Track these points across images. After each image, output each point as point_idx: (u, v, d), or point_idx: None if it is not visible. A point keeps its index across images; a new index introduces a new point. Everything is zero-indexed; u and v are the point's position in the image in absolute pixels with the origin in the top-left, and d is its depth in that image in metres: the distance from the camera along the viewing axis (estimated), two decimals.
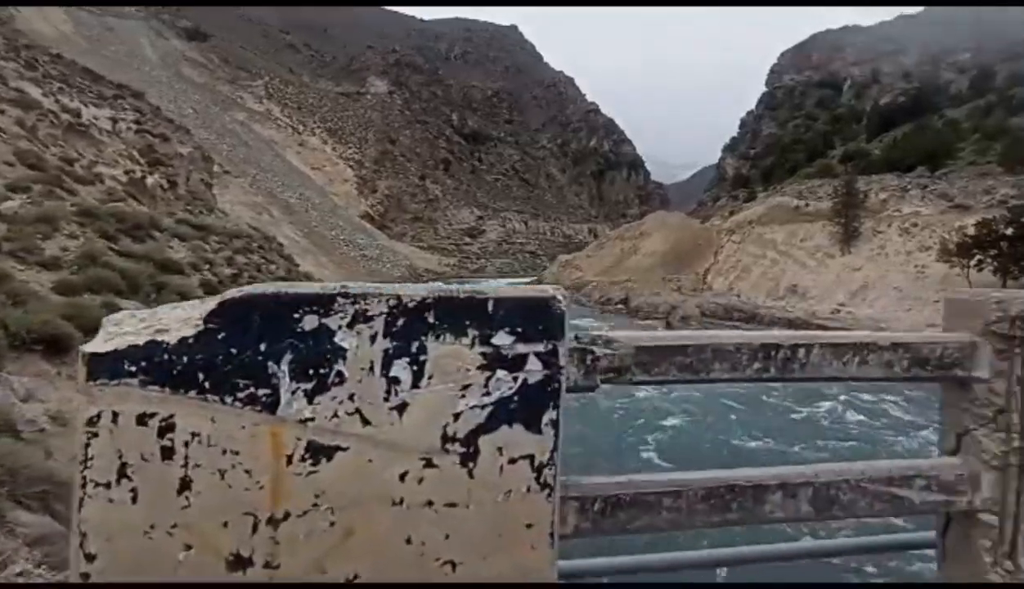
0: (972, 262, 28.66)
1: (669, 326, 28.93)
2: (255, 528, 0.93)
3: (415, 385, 0.97)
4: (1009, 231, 27.52)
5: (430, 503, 0.99)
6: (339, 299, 0.96)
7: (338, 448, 0.95)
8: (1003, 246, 27.82)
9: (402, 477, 0.97)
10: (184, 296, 12.40)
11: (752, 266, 42.50)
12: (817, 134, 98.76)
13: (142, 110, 36.11)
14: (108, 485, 0.89)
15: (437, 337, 0.98)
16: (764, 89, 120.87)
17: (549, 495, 1.04)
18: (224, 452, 0.92)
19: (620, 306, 37.23)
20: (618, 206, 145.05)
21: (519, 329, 1.02)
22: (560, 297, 1.05)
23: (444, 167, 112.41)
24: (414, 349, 0.97)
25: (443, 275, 70.80)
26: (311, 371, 0.94)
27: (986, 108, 61.30)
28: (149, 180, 27.01)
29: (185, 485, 0.90)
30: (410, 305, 0.98)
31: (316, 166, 75.26)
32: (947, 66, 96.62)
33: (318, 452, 0.93)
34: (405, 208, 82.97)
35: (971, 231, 29.03)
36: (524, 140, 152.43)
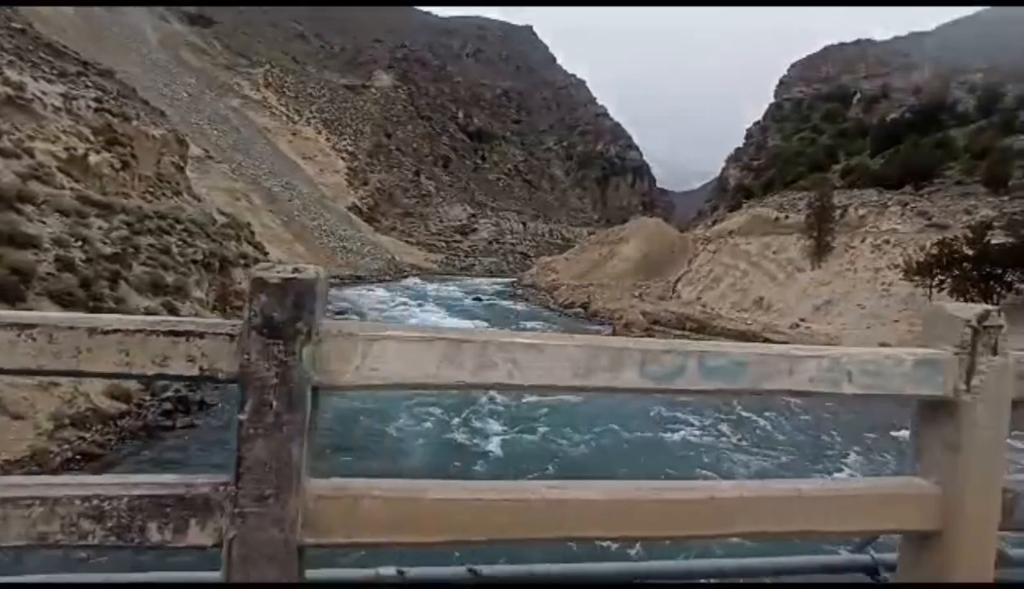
0: (934, 282, 27.85)
1: (614, 331, 28.31)
2: None
3: None
4: (969, 252, 26.65)
5: None
6: None
7: None
8: (965, 267, 26.96)
9: None
10: (17, 270, 12.04)
11: (723, 276, 41.70)
12: (821, 148, 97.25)
13: (106, 89, 35.96)
14: None
15: None
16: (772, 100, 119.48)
17: None
18: None
19: (580, 310, 36.61)
20: (621, 211, 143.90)
21: None
22: None
23: (444, 163, 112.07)
24: None
25: (428, 271, 70.42)
26: None
27: (987, 128, 59.99)
28: (93, 158, 26.77)
29: None
30: None
31: (308, 156, 75.11)
32: (957, 85, 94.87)
33: None
34: (396, 202, 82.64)
35: (934, 250, 28.20)
36: (530, 141, 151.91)
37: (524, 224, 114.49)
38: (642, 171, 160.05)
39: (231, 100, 74.44)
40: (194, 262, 20.22)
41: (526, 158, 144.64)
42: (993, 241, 26.54)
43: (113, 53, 68.30)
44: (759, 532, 1.21)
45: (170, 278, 16.72)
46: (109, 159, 28.66)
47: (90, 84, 34.52)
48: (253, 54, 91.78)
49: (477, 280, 63.37)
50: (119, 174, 29.79)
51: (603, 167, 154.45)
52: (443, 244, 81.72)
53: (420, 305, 33.75)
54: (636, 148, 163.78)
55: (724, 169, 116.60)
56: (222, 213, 43.88)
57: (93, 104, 31.69)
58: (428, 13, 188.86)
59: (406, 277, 60.01)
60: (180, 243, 20.58)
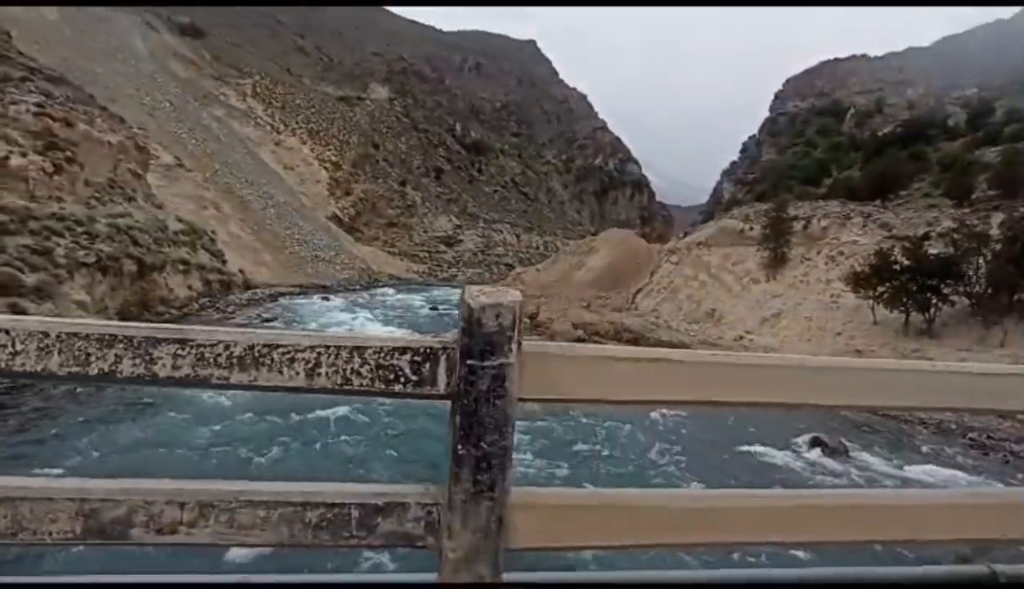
0: (875, 293, 26.93)
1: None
2: None
3: None
4: (907, 262, 25.72)
5: None
6: None
7: None
8: (903, 278, 25.99)
9: None
10: None
11: (682, 287, 40.88)
12: (814, 161, 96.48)
13: (52, 94, 36.12)
14: None
15: None
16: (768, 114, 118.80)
17: None
18: None
19: (527, 321, 35.96)
20: (619, 225, 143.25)
21: None
22: None
23: (436, 175, 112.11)
24: None
25: (408, 281, 70.04)
26: None
27: (971, 143, 58.86)
28: (16, 161, 26.74)
29: None
30: None
31: (289, 166, 75.34)
32: (951, 101, 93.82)
33: None
34: (380, 213, 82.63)
35: (873, 260, 27.30)
36: (529, 153, 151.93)
37: (518, 236, 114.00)
38: (641, 185, 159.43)
39: (216, 110, 74.94)
40: (84, 265, 19.87)
41: (524, 171, 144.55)
42: (931, 251, 25.60)
43: (96, 61, 69.08)
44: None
45: (31, 279, 16.36)
46: (40, 163, 28.61)
47: (34, 89, 34.63)
48: (244, 65, 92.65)
49: (451, 291, 62.89)
50: (52, 178, 29.75)
51: (602, 180, 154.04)
52: (426, 254, 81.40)
53: (353, 316, 33.31)
54: (635, 162, 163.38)
55: (719, 183, 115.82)
56: (180, 220, 43.84)
57: (33, 108, 31.75)
58: (431, 27, 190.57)
59: (379, 286, 59.57)
60: (72, 245, 20.25)
